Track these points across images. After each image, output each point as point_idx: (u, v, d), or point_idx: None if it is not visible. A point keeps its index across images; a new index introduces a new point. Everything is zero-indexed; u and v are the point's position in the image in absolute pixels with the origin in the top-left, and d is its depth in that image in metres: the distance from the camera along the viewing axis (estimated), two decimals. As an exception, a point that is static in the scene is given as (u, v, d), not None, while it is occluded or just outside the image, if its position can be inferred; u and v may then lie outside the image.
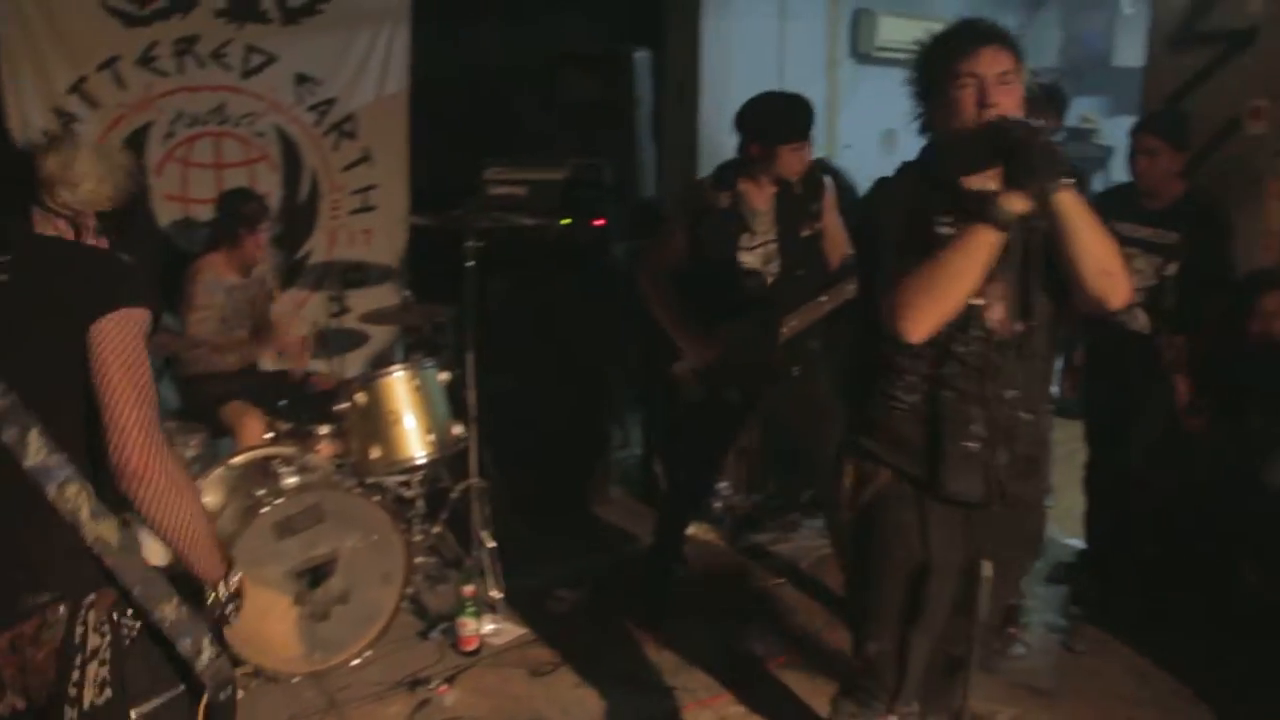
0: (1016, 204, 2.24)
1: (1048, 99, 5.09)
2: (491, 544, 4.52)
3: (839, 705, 2.82)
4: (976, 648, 2.40)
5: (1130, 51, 7.79)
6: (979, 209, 2.28)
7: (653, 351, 5.17)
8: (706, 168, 6.62)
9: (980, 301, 2.41)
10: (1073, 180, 2.27)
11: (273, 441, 4.27)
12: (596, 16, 6.52)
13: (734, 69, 6.93)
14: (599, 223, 5.43)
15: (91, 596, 2.00)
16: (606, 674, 4.03)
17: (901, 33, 7.18)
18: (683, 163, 6.53)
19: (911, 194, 2.53)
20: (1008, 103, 2.32)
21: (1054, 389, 5.42)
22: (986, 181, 2.36)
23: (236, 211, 4.72)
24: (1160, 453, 4.42)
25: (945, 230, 2.39)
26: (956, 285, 2.31)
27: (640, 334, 5.39)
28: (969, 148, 2.36)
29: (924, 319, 2.34)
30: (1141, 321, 4.41)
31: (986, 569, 2.32)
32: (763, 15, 7.32)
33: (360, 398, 4.33)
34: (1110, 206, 4.51)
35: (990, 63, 2.32)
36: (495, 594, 4.43)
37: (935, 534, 2.54)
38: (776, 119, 3.91)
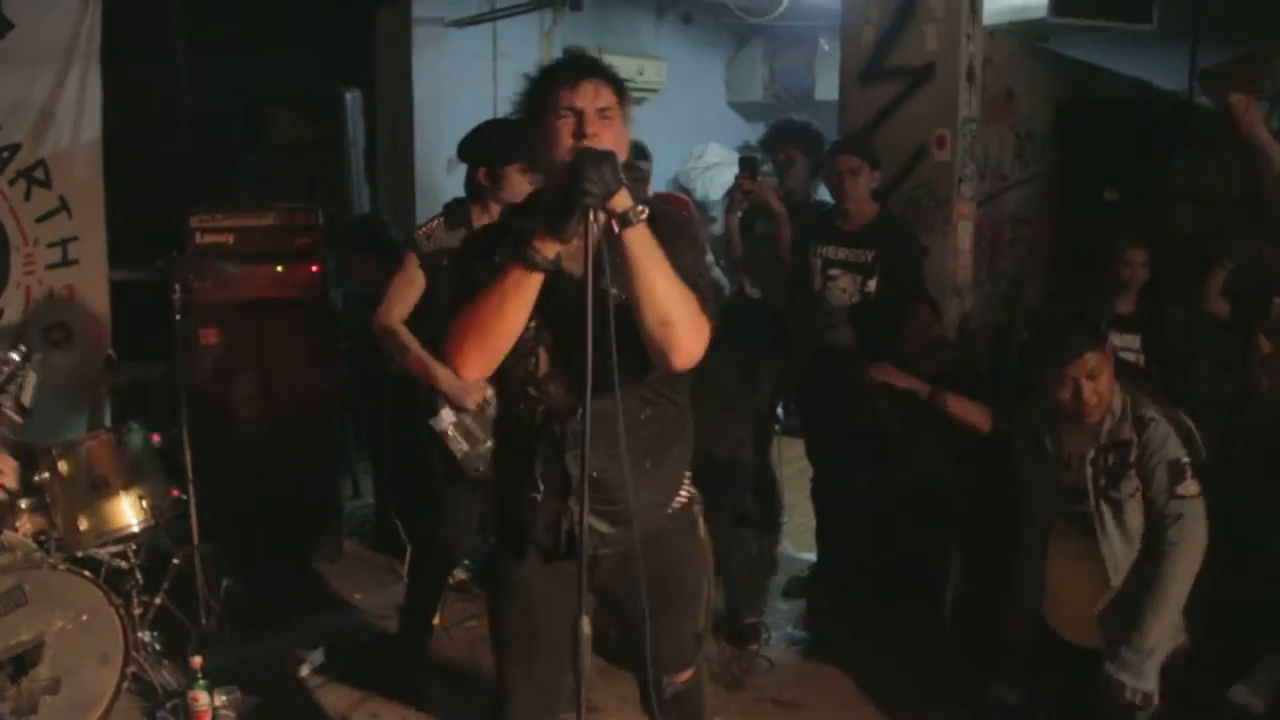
0: (544, 244, 2.22)
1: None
2: (220, 610, 4.28)
3: None
4: (580, 701, 2.32)
5: (830, 86, 8.20)
6: (513, 247, 2.27)
7: (380, 397, 5.06)
8: (422, 207, 6.60)
9: (535, 361, 2.43)
10: (644, 216, 2.21)
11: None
12: (304, 56, 6.34)
13: (447, 108, 6.90)
14: (314, 268, 5.25)
15: None
16: (349, 738, 3.89)
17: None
18: (399, 203, 6.42)
19: (492, 237, 2.55)
20: (606, 137, 2.29)
21: (780, 412, 5.72)
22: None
23: None
24: (872, 461, 4.64)
25: (496, 266, 2.37)
26: (492, 324, 2.30)
27: (366, 379, 5.27)
28: (553, 180, 2.32)
29: (466, 356, 2.34)
30: (846, 338, 4.64)
31: (585, 625, 2.26)
32: (475, 54, 7.33)
33: (63, 466, 4.01)
34: (811, 230, 4.79)
35: (591, 96, 2.30)
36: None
37: (532, 578, 2.60)
38: (500, 139, 3.86)
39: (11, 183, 5.23)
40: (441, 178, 6.78)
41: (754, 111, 9.94)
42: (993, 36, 5.16)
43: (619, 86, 2.37)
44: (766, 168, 6.44)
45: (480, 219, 3.88)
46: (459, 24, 7.15)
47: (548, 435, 2.47)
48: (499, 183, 3.86)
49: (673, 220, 2.44)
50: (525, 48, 7.81)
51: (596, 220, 2.14)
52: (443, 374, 3.79)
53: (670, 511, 2.64)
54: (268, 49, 6.27)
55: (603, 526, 2.48)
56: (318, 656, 4.41)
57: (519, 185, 3.83)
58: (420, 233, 3.94)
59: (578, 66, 2.36)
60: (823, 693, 4.17)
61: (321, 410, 5.52)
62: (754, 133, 9.84)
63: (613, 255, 2.19)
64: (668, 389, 2.54)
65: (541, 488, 2.50)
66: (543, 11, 7.90)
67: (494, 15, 7.33)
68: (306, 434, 5.42)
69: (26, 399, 2.42)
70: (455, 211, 3.98)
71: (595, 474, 2.28)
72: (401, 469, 5.07)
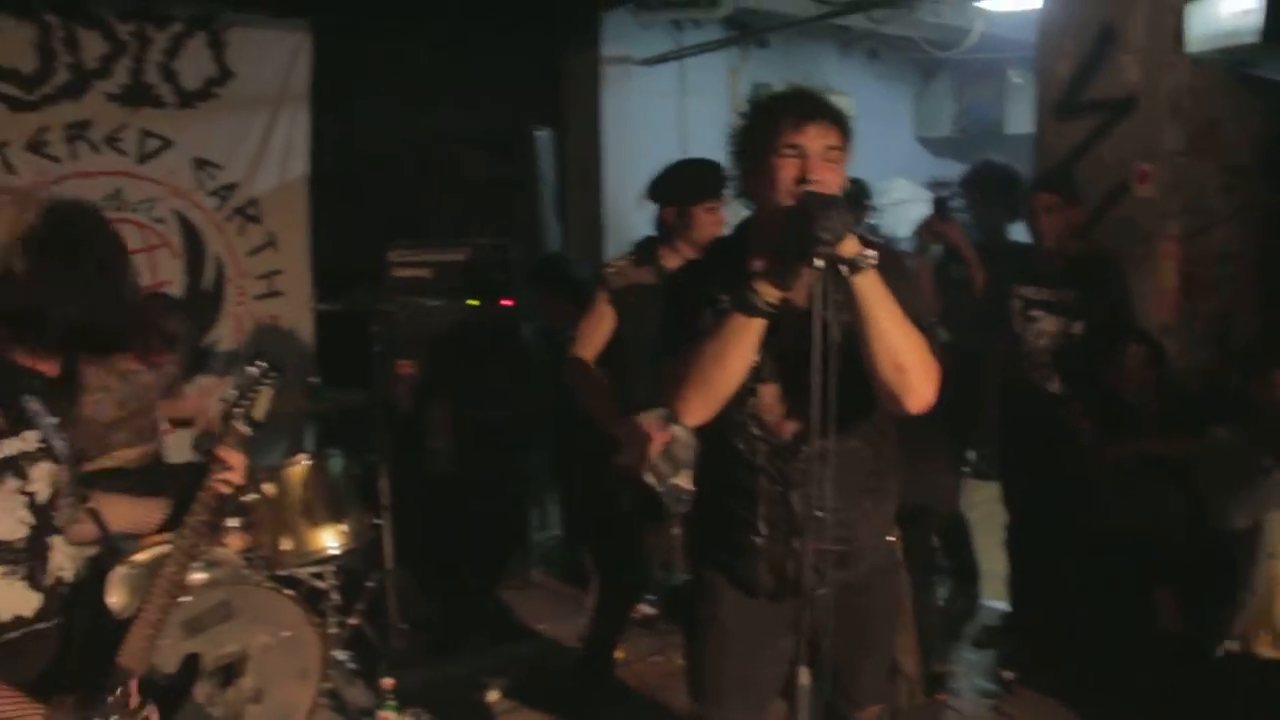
0: (768, 291, 2.20)
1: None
2: (411, 633, 4.39)
3: None
4: None
5: (1020, 119, 8.01)
6: (734, 293, 2.24)
7: (570, 431, 5.11)
8: (613, 245, 6.69)
9: (756, 400, 2.39)
10: (874, 262, 2.17)
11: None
12: (498, 97, 6.53)
13: (636, 146, 6.98)
14: (507, 303, 5.37)
15: None
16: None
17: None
18: (589, 241, 6.53)
19: (702, 276, 2.52)
20: (831, 180, 2.24)
21: (970, 454, 5.57)
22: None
23: (153, 322, 4.47)
24: (1076, 508, 4.46)
25: (717, 312, 2.33)
26: (714, 371, 2.27)
27: (556, 413, 5.34)
28: (773, 223, 2.27)
29: (689, 403, 2.33)
30: (1049, 381, 4.48)
31: (803, 676, 2.24)
32: (662, 93, 7.41)
33: (269, 488, 4.21)
34: (1009, 270, 4.65)
35: (817, 137, 2.26)
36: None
37: (741, 620, 2.55)
38: (688, 180, 3.86)
39: (229, 219, 5.59)
40: (631, 215, 6.85)
41: (942, 147, 9.77)
42: (1197, 65, 4.95)
43: (845, 127, 2.32)
44: (956, 203, 6.32)
45: (668, 258, 3.89)
46: (647, 63, 7.24)
47: (771, 475, 2.44)
48: (687, 223, 3.85)
49: (894, 258, 2.38)
50: (713, 85, 7.86)
51: (823, 265, 2.10)
52: (619, 425, 3.84)
53: (884, 549, 2.61)
54: (460, 89, 6.47)
55: (827, 567, 2.40)
56: (503, 683, 4.46)
57: (707, 225, 3.84)
58: (609, 270, 3.98)
59: (805, 105, 2.30)
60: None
61: (512, 441, 5.62)
62: (942, 168, 9.67)
63: (839, 297, 2.16)
64: (884, 426, 2.50)
65: (764, 530, 2.46)
66: (730, 49, 7.96)
67: (681, 54, 7.40)
68: (497, 464, 5.54)
69: (259, 414, 2.53)
70: (644, 250, 4.00)
71: (821, 513, 2.25)
72: (589, 501, 5.11)
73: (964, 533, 5.18)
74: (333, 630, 4.32)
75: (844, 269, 2.13)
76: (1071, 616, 4.51)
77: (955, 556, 5.15)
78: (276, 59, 5.69)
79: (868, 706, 2.78)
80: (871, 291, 2.18)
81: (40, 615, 2.10)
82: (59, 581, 2.16)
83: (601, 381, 3.91)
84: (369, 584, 4.60)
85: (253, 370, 2.57)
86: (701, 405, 2.32)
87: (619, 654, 4.36)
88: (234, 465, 2.37)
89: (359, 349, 4.80)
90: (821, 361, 2.10)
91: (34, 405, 2.13)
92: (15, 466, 2.06)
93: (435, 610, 4.86)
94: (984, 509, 5.48)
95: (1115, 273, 4.55)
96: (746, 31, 7.66)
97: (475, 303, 5.27)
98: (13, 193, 2.06)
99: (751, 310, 2.20)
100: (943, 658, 4.54)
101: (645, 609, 4.94)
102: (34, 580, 2.10)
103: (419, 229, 5.83)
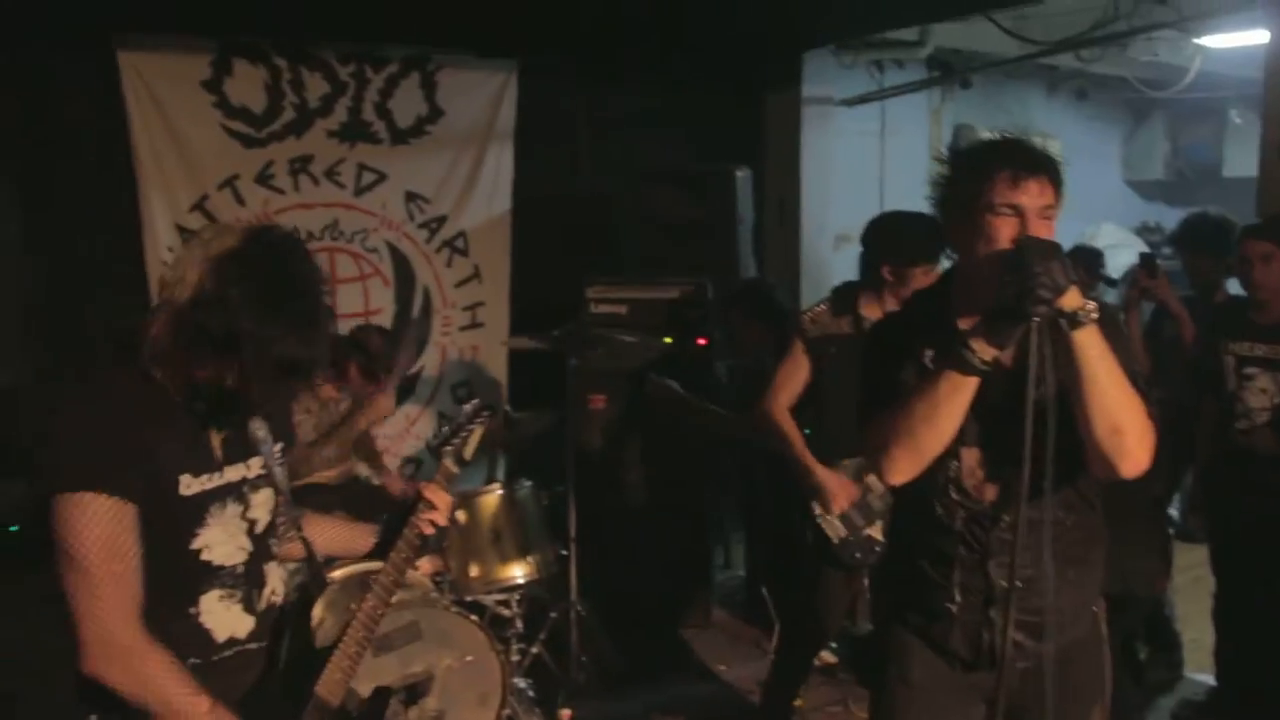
0: (983, 349, 2.09)
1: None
2: (591, 666, 4.43)
3: None
4: None
5: (1241, 161, 7.64)
6: (947, 350, 2.14)
7: (760, 473, 5.11)
8: (808, 285, 6.65)
9: (957, 463, 2.30)
10: (1095, 316, 2.05)
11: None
12: (697, 135, 6.60)
13: (835, 187, 6.95)
14: (702, 341, 5.40)
15: None
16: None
17: (1005, 149, 7.14)
18: (785, 281, 6.51)
19: (906, 327, 2.44)
20: (1046, 236, 2.13)
21: (1173, 512, 5.31)
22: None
23: (361, 347, 4.65)
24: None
25: (923, 367, 2.26)
26: (924, 430, 2.18)
27: (746, 454, 5.33)
28: (983, 275, 2.16)
29: (896, 463, 2.24)
30: (1267, 441, 4.23)
31: None
32: (863, 133, 7.37)
33: (460, 515, 4.32)
34: (1221, 325, 4.42)
35: (1036, 195, 2.14)
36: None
37: (930, 682, 2.46)
38: (912, 239, 3.72)
39: (437, 251, 5.82)
40: (828, 256, 6.83)
41: (1153, 190, 9.43)
42: None
43: (1061, 182, 2.21)
44: (1167, 252, 6.07)
45: (869, 308, 3.82)
46: (848, 103, 7.22)
47: (969, 541, 2.36)
48: (904, 282, 3.72)
49: (1110, 313, 2.26)
50: (913, 126, 7.78)
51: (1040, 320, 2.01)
52: (820, 474, 3.80)
53: (1089, 619, 2.50)
54: (661, 128, 6.56)
55: (1024, 639, 2.32)
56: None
57: (920, 284, 3.72)
58: (806, 318, 3.94)
59: (1023, 159, 2.18)
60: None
61: (699, 479, 5.64)
62: (1152, 213, 9.34)
63: (1054, 354, 2.06)
64: (1092, 494, 2.39)
65: (958, 597, 2.37)
66: (932, 90, 7.86)
67: (882, 94, 7.35)
68: (683, 502, 5.56)
69: (468, 453, 2.58)
70: (842, 298, 3.94)
71: (1020, 583, 2.17)
72: (775, 544, 5.08)
73: (1162, 598, 4.94)
74: (514, 658, 4.40)
75: (1064, 323, 2.04)
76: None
77: (1154, 624, 4.91)
78: (484, 98, 5.90)
79: None
80: (1092, 348, 2.07)
81: (251, 637, 2.17)
82: (271, 605, 2.24)
83: (794, 429, 3.88)
84: (552, 614, 4.66)
85: (467, 408, 2.62)
86: (909, 465, 2.25)
87: (798, 702, 4.30)
88: (439, 506, 2.43)
89: (553, 381, 4.90)
90: (1034, 426, 2.01)
91: (260, 431, 2.20)
92: (238, 493, 2.14)
93: (615, 644, 4.89)
94: (1190, 574, 5.22)
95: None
96: (949, 72, 7.56)
97: (670, 340, 5.30)
98: (214, 226, 2.13)
99: (967, 369, 2.12)
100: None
101: (827, 657, 4.87)
102: (249, 604, 2.17)
103: (617, 266, 5.92)
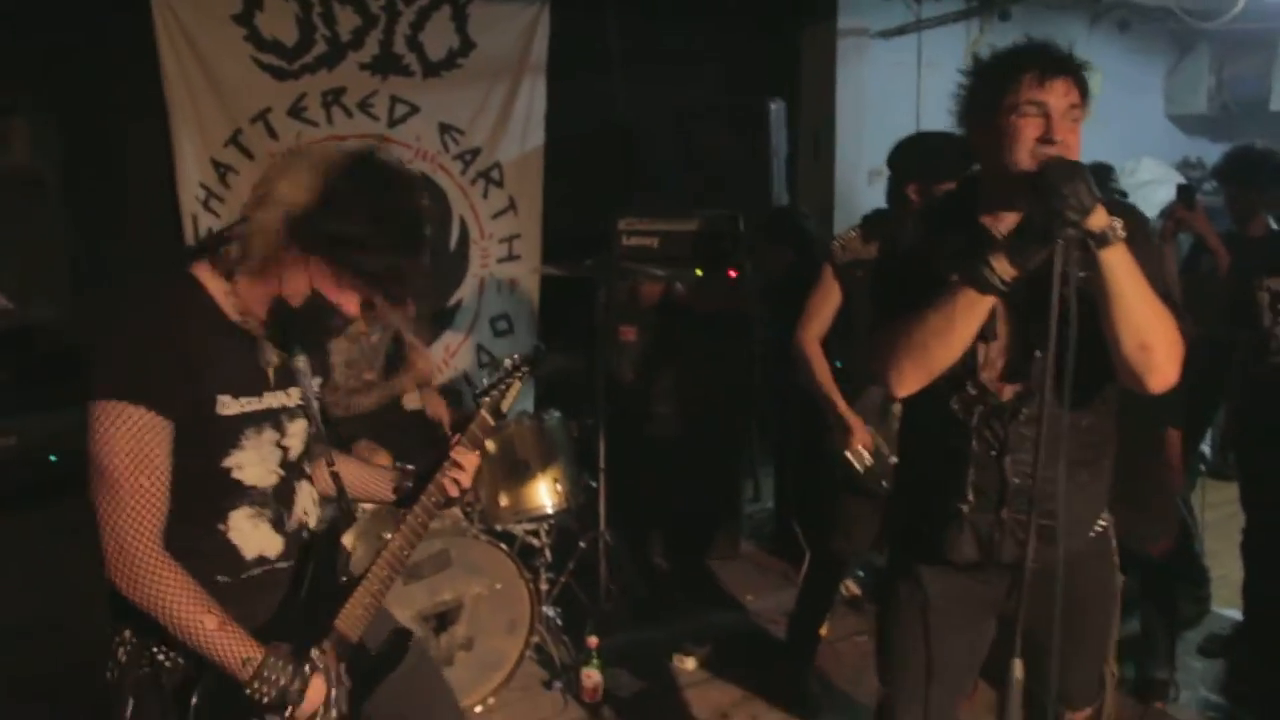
0: (1005, 269, 2.06)
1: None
2: (619, 595, 4.49)
3: None
4: None
5: (1291, 95, 7.49)
6: (967, 266, 2.11)
7: (789, 405, 5.11)
8: (842, 219, 6.61)
9: (976, 357, 2.26)
10: (1122, 235, 2.04)
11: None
12: (731, 67, 6.54)
13: (870, 120, 6.87)
14: (733, 274, 5.39)
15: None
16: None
17: (1043, 82, 7.03)
18: (819, 214, 6.47)
19: (925, 236, 2.38)
20: (1072, 141, 2.11)
21: (1205, 448, 5.28)
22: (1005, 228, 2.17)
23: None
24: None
25: (941, 283, 2.21)
26: (936, 344, 2.16)
27: (776, 386, 5.34)
28: (1006, 185, 2.15)
29: (904, 375, 2.22)
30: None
31: (1017, 669, 2.13)
32: (899, 65, 7.25)
33: (490, 445, 4.37)
34: (1257, 260, 4.36)
35: (1062, 94, 2.11)
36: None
37: (935, 599, 2.46)
38: (935, 155, 3.67)
39: (473, 182, 5.84)
40: (862, 189, 6.76)
41: (1196, 125, 9.22)
42: None
43: (1086, 86, 2.16)
44: (1207, 187, 5.97)
45: None
46: (884, 35, 7.10)
47: (985, 437, 2.32)
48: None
49: (1140, 226, 2.22)
50: (950, 58, 7.62)
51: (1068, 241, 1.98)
52: (843, 410, 3.80)
53: (1095, 534, 2.48)
54: (695, 61, 6.51)
55: (1036, 541, 2.27)
56: (703, 652, 4.52)
57: None
58: (835, 244, 3.92)
59: (1050, 59, 2.14)
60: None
61: (729, 412, 5.65)
62: (1194, 148, 9.14)
63: (1081, 271, 2.02)
64: (1111, 398, 2.37)
65: (971, 497, 2.35)
66: (970, 21, 7.71)
67: (919, 26, 7.22)
68: (713, 434, 5.58)
69: (505, 406, 2.58)
70: (874, 224, 3.91)
71: (1034, 481, 2.13)
72: (803, 476, 5.10)
73: (1190, 533, 4.93)
74: (543, 586, 4.47)
75: (1091, 243, 2.02)
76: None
77: (1182, 558, 4.90)
78: (516, 31, 5.85)
79: (1080, 708, 2.67)
80: (1119, 266, 2.05)
81: (281, 557, 2.21)
82: (302, 525, 2.27)
83: (823, 361, 3.88)
84: (581, 544, 4.72)
85: (507, 363, 2.62)
86: (916, 378, 2.23)
87: (824, 631, 4.35)
88: (467, 467, 2.45)
89: (585, 313, 4.92)
90: (1058, 332, 1.98)
91: (300, 363, 2.23)
92: (275, 419, 2.17)
93: (644, 574, 4.95)
94: (1221, 510, 5.20)
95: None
96: (988, 3, 7.41)
97: (701, 273, 5.30)
98: (311, 145, 2.13)
99: (986, 288, 2.10)
100: (1164, 664, 4.33)
101: (852, 587, 4.91)
102: (279, 523, 2.21)
103: (649, 198, 5.91)
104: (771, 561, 5.60)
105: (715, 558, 5.60)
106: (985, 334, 2.22)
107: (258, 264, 2.02)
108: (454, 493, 2.44)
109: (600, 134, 6.26)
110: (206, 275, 2.08)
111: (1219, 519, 5.23)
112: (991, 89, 2.17)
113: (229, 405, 2.06)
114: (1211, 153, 8.51)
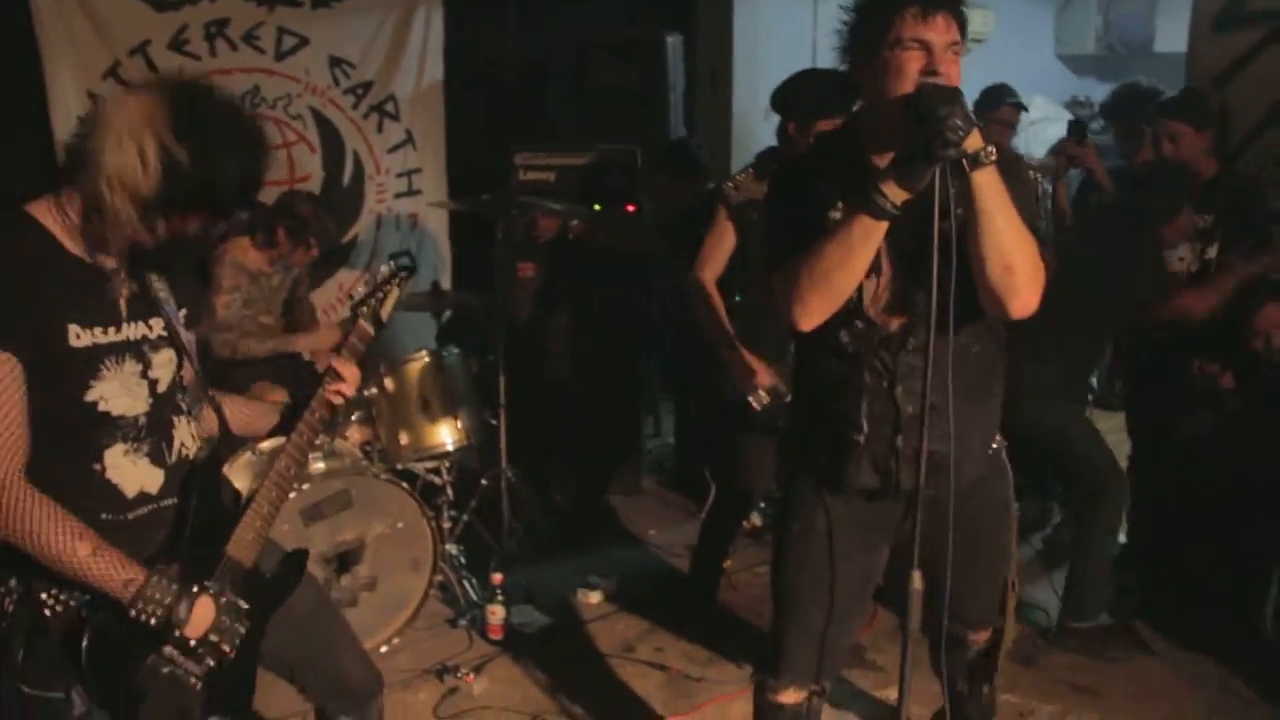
0: (894, 193, 2.11)
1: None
2: (521, 533, 4.48)
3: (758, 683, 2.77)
4: (906, 659, 2.30)
5: (1173, 36, 7.65)
6: (859, 195, 2.16)
7: (689, 343, 5.12)
8: (739, 155, 6.61)
9: (861, 292, 2.31)
10: (994, 158, 2.10)
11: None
12: (627, 1, 6.47)
13: (767, 55, 6.85)
14: (631, 208, 5.36)
15: None
16: (636, 665, 4.00)
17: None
18: (716, 150, 6.46)
19: (813, 170, 2.43)
20: (953, 74, 2.15)
21: (1093, 380, 5.42)
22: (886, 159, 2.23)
23: (289, 211, 4.54)
24: (1205, 449, 4.31)
25: (834, 215, 2.27)
26: (838, 275, 2.21)
27: (675, 323, 5.34)
28: (890, 118, 2.18)
29: (809, 308, 2.26)
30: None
31: (916, 581, 2.20)
32: (795, 2, 7.24)
33: (388, 383, 4.31)
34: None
35: (943, 30, 2.15)
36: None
37: (835, 526, 2.51)
38: (814, 92, 3.72)
39: (365, 116, 5.69)
40: (760, 126, 6.74)
41: (1084, 65, 9.41)
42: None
43: (964, 21, 2.22)
44: (1095, 125, 6.09)
45: None
46: (778, -30, 7.09)
47: (876, 368, 2.37)
48: (808, 137, 3.72)
49: (1011, 158, 2.30)
50: (847, -6, 7.66)
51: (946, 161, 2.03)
52: (740, 352, 3.80)
53: (989, 455, 2.56)
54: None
55: (932, 467, 2.32)
56: (608, 586, 4.54)
57: None
58: (729, 185, 3.91)
59: None
60: (1121, 680, 3.94)
61: (629, 348, 5.66)
62: (1082, 87, 9.33)
63: (955, 192, 2.08)
64: (995, 327, 2.44)
65: (865, 427, 2.39)
66: (867, -42, 7.73)
67: (817, -39, 7.22)
68: (613, 371, 5.57)
69: (385, 314, 2.54)
70: (765, 163, 3.91)
71: (926, 408, 2.18)
72: (704, 414, 5.12)
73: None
74: (445, 525, 4.44)
75: (965, 164, 2.07)
76: (1190, 554, 4.39)
77: (1066, 484, 5.04)
78: (409, -44, 5.71)
79: (979, 629, 2.76)
80: (989, 188, 2.12)
81: (163, 492, 2.16)
82: (181, 459, 2.22)
83: (719, 302, 3.88)
84: (483, 481, 4.69)
85: (384, 269, 2.59)
86: (821, 309, 2.26)
87: (726, 563, 4.39)
88: (348, 378, 2.40)
89: (485, 250, 4.86)
90: (938, 256, 2.05)
91: (161, 292, 2.17)
92: (136, 350, 2.11)
93: (546, 511, 4.94)
94: (1110, 438, 5.35)
95: (1256, 199, 4.36)
96: (885, -61, 7.43)
97: (599, 207, 5.26)
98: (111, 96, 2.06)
99: (879, 214, 2.13)
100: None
101: (754, 520, 4.96)
102: (157, 457, 2.16)
103: (547, 132, 5.84)
104: (672, 496, 5.64)
105: (617, 493, 5.62)
106: (870, 268, 2.26)
107: (119, 238, 1.98)
108: (338, 403, 2.40)
109: (497, 68, 6.15)
110: (44, 213, 2.01)
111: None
112: (874, 25, 2.21)
113: (81, 336, 2.00)
114: (1099, 91, 8.69)
